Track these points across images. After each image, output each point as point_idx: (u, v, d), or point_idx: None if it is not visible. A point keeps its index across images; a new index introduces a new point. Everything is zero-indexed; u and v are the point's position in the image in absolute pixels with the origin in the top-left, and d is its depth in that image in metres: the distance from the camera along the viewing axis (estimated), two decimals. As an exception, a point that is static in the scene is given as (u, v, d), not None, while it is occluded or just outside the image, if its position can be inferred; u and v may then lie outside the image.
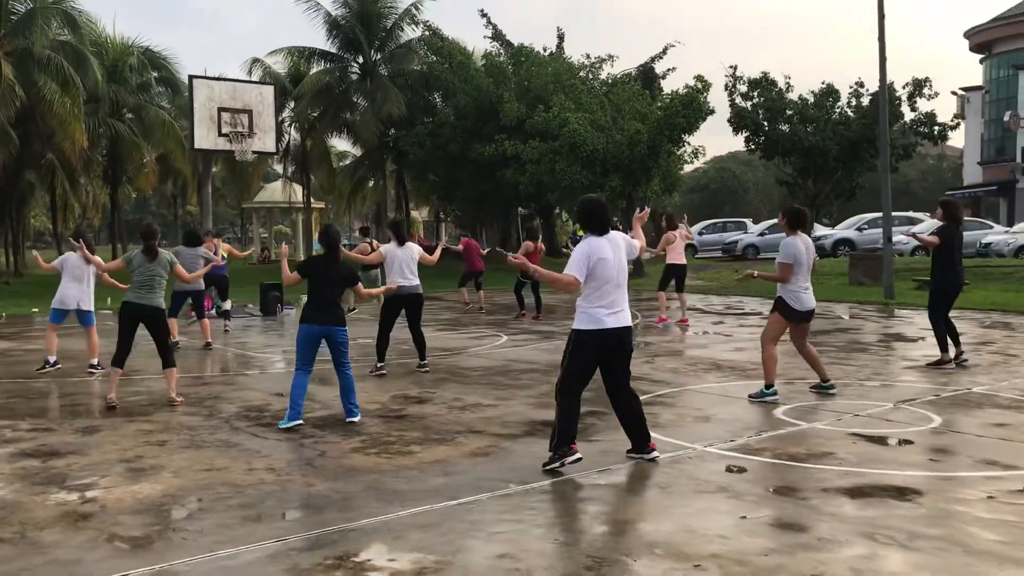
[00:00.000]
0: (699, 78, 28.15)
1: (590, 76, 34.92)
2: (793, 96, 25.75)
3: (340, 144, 41.34)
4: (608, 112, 29.50)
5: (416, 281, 10.68)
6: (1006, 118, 43.45)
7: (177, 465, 6.48)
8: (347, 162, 44.58)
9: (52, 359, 10.91)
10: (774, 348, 8.79)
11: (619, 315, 6.20)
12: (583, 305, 6.22)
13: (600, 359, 6.27)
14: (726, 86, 26.41)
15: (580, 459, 6.13)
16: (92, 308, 11.05)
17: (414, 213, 64.45)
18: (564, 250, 42.13)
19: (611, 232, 6.27)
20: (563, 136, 27.57)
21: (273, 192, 48.07)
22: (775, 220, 42.32)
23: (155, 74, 35.03)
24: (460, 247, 18.44)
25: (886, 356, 11.83)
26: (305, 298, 8.20)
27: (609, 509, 5.45)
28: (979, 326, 14.83)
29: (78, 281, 10.86)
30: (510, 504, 5.53)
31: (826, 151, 24.05)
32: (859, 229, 34.97)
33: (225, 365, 12.06)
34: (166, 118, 32.87)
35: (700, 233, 41.88)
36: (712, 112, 28.09)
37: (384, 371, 10.46)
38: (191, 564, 4.53)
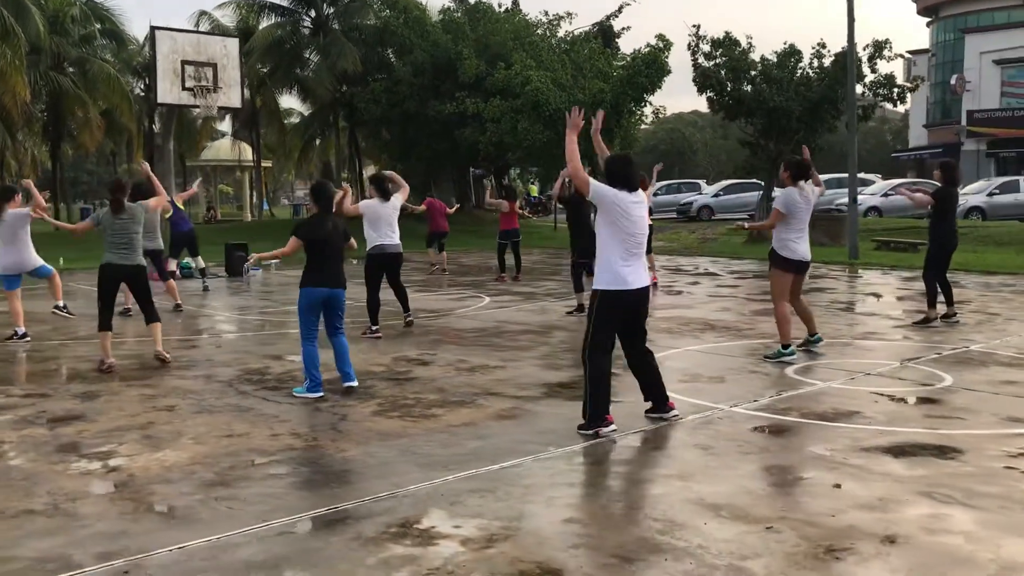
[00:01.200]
0: (660, 37, 28.06)
1: (548, 34, 34.50)
2: (755, 57, 25.74)
3: (290, 102, 40.36)
4: (569, 71, 29.24)
5: (398, 239, 10.44)
6: (952, 81, 44.15)
7: (195, 431, 6.23)
8: (294, 119, 43.61)
9: (21, 330, 10.34)
10: (785, 306, 8.76)
11: (640, 275, 6.11)
12: (606, 265, 6.10)
13: (623, 319, 6.18)
14: (689, 45, 26.24)
15: (615, 430, 6.03)
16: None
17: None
18: (520, 211, 41.94)
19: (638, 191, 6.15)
20: (525, 95, 27.25)
21: (218, 150, 46.95)
22: (730, 182, 42.78)
23: (98, 26, 33.69)
24: (423, 207, 18.02)
25: (870, 315, 11.94)
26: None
27: (657, 471, 5.37)
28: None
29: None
30: (555, 467, 5.42)
31: (789, 112, 24.12)
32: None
33: (204, 327, 11.69)
34: (111, 72, 31.70)
35: (655, 194, 41.93)
36: (669, 72, 28.03)
37: (379, 333, 10.24)
38: (247, 535, 4.33)
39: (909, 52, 50.16)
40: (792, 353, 8.62)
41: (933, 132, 48.72)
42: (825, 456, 5.54)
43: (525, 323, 11.26)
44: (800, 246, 8.70)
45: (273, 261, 19.07)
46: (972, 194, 31.86)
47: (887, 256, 21.33)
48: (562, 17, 35.29)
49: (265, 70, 35.87)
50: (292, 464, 5.53)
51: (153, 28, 17.18)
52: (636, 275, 6.07)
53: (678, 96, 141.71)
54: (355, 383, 7.35)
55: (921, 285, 11.24)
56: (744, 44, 25.73)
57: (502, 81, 28.69)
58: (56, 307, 10.39)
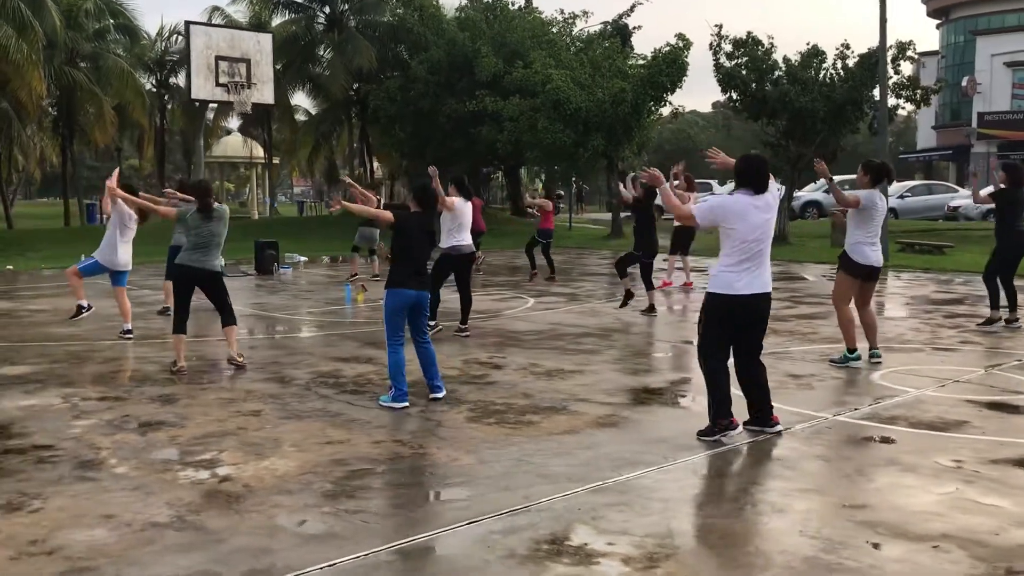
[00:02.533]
0: (680, 36, 27.88)
1: (563, 32, 34.34)
2: (777, 57, 25.55)
3: (298, 99, 40.10)
4: (587, 69, 29.06)
5: (471, 240, 10.31)
6: (963, 83, 44.07)
7: (291, 438, 6.04)
8: (300, 116, 43.31)
9: (85, 303, 10.18)
10: (848, 309, 8.61)
11: (756, 281, 5.93)
12: (718, 268, 5.96)
13: (736, 324, 6.02)
14: (710, 45, 26.05)
15: (740, 431, 5.90)
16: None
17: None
18: (529, 210, 41.79)
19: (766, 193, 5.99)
20: (546, 93, 27.05)
21: (226, 147, 46.65)
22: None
23: (111, 21, 33.37)
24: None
25: (929, 318, 11.76)
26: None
27: (790, 485, 5.19)
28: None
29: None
30: (683, 479, 5.25)
31: (814, 113, 23.94)
32: (827, 191, 35.25)
33: (252, 327, 11.47)
34: (125, 67, 31.40)
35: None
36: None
37: (440, 328, 10.07)
38: (395, 552, 4.15)
39: (919, 53, 50.12)
40: (858, 359, 8.46)
41: (942, 134, 48.64)
42: (955, 468, 5.37)
43: (580, 325, 11.07)
44: (874, 252, 8.52)
45: (301, 259, 18.98)
46: (990, 197, 31.78)
47: (915, 259, 21.20)
48: (577, 16, 35.17)
49: (278, 67, 35.57)
50: (407, 473, 5.35)
51: (188, 23, 16.93)
52: (749, 281, 5.90)
53: (685, 96, 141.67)
54: (443, 394, 7.12)
55: (964, 288, 11.10)
56: (766, 44, 25.58)
57: (520, 79, 28.49)
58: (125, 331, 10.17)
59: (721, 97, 28.55)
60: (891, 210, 32.17)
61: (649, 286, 12.02)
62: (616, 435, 6.13)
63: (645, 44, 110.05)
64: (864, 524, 4.48)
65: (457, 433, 6.16)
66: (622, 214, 30.76)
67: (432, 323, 10.21)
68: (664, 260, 15.34)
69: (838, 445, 5.91)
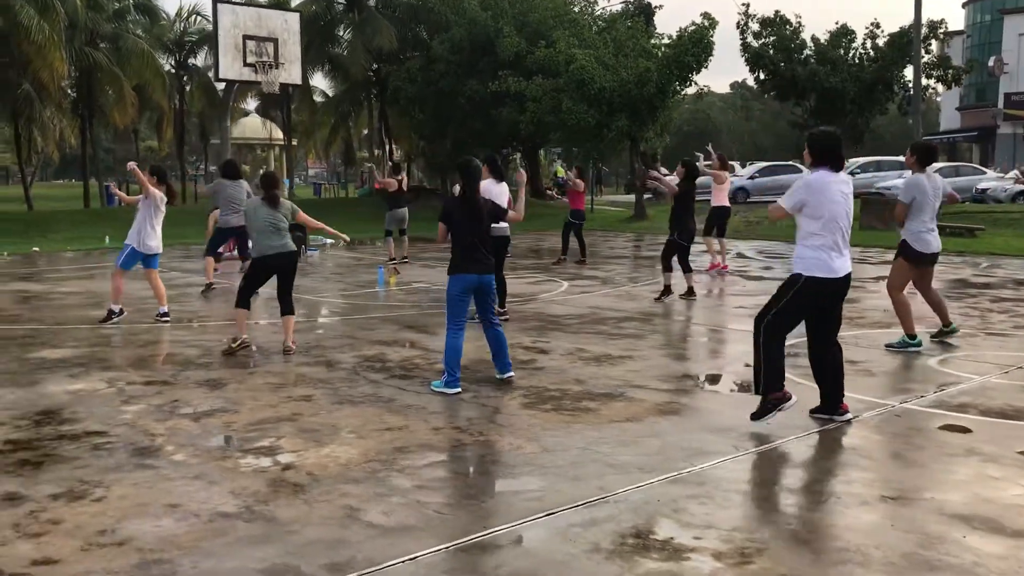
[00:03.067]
0: (706, 15, 27.52)
1: (585, 11, 33.99)
2: (805, 37, 25.27)
3: (317, 80, 39.84)
4: (610, 49, 28.75)
5: (505, 224, 10.09)
6: (990, 63, 43.47)
7: (348, 424, 5.90)
8: (317, 97, 43.06)
9: (118, 308, 9.98)
10: (904, 296, 8.44)
11: (845, 262, 5.77)
12: (809, 251, 5.77)
13: (821, 306, 5.85)
14: (737, 24, 25.79)
15: (795, 402, 5.75)
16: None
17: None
18: (548, 192, 41.53)
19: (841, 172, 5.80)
20: (570, 73, 26.77)
21: (244, 128, 46.49)
22: (765, 164, 42.18)
23: (131, 1, 33.20)
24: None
25: (975, 303, 11.53)
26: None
27: (870, 475, 5.01)
28: (1036, 273, 14.59)
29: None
30: (758, 469, 5.10)
31: (844, 93, 23.65)
32: (851, 173, 34.88)
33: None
34: (144, 47, 31.24)
35: (752, 177, 41.46)
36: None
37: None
38: (475, 544, 4.01)
39: (943, 33, 49.49)
40: (919, 344, 8.28)
41: (967, 115, 48.05)
42: (1038, 459, 5.19)
43: (619, 309, 10.90)
44: (932, 238, 8.33)
45: (329, 240, 18.82)
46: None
47: (947, 241, 20.81)
48: (598, -7, 34.76)
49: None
50: (473, 461, 5.21)
51: (215, 1, 16.74)
52: (843, 263, 5.75)
53: (703, 76, 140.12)
54: (512, 374, 7.00)
55: (1003, 272, 10.85)
56: (794, 23, 25.27)
57: (543, 59, 28.21)
58: (161, 313, 10.02)
59: (740, 77, 28.27)
60: (916, 192, 32.30)
61: (687, 269, 11.83)
62: (679, 423, 5.97)
63: (667, 24, 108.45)
64: (957, 518, 4.31)
65: (515, 420, 6.01)
66: (645, 196, 30.54)
67: (502, 311, 10.06)
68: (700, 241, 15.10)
69: (911, 434, 5.74)
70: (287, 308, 8.39)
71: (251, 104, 43.22)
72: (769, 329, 5.88)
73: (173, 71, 35.44)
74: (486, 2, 32.40)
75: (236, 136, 46.03)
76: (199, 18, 36.40)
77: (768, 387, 5.79)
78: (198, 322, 10.15)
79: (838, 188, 5.73)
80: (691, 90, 30.70)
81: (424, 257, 17.08)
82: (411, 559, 3.84)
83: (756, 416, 5.84)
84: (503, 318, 10.02)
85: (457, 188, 8.62)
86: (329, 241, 18.63)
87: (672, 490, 4.69)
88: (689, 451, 5.33)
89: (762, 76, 25.32)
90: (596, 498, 4.55)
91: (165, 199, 10.13)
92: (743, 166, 43.38)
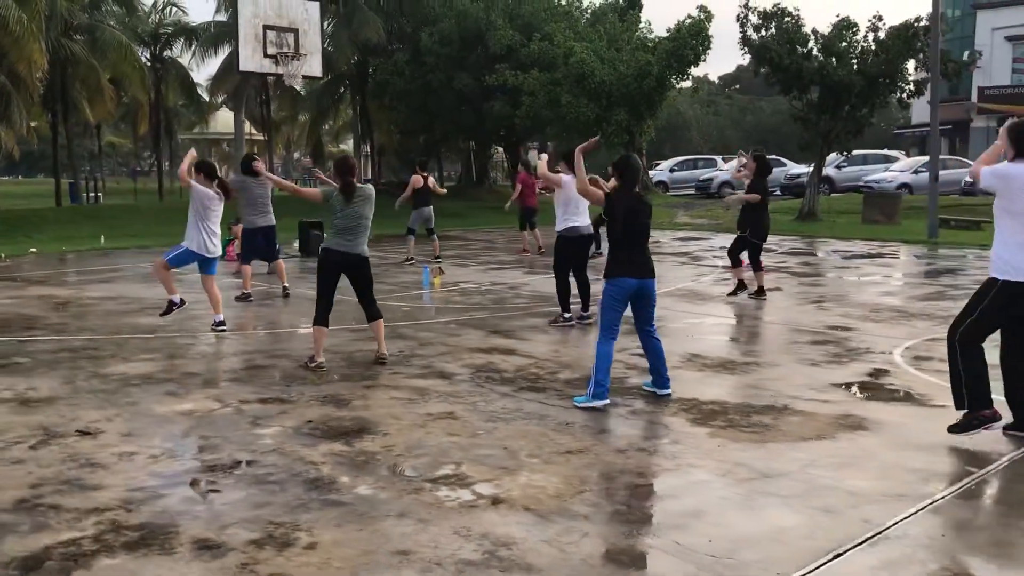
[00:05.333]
0: (702, 8, 27.25)
1: (574, 4, 33.51)
2: (806, 30, 24.97)
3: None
4: (604, 42, 28.36)
5: (588, 220, 9.60)
6: (964, 57, 43.80)
7: (520, 446, 5.35)
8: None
9: (177, 298, 9.28)
10: None
11: None
12: (1003, 246, 5.34)
13: (1015, 314, 5.43)
14: (737, 17, 25.42)
15: (1003, 423, 5.35)
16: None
17: (344, 146, 61.82)
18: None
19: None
20: (570, 66, 26.30)
21: (217, 123, 45.27)
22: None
23: (107, -10, 31.95)
24: (518, 184, 17.02)
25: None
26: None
27: None
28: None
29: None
30: (1012, 491, 4.66)
31: (851, 86, 23.41)
32: (838, 167, 34.93)
33: (354, 315, 10.71)
34: (122, 39, 30.03)
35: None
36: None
37: (572, 322, 9.39)
38: (787, 595, 3.51)
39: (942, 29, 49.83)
40: None
41: (940, 108, 48.38)
42: None
43: (695, 312, 10.45)
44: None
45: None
46: None
47: (959, 235, 20.80)
48: (588, -15, 34.34)
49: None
50: (698, 491, 4.68)
51: (236, -12, 15.97)
52: None
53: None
54: (671, 391, 6.48)
55: None
56: (794, 15, 24.99)
57: (539, 52, 27.71)
58: (217, 322, 9.32)
59: (703, 72, 27.69)
60: (905, 185, 32.36)
61: (758, 268, 11.41)
62: (876, 440, 5.52)
63: (656, 18, 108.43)
64: None
65: (699, 440, 5.51)
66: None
67: (586, 313, 9.58)
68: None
69: None
70: (373, 312, 7.74)
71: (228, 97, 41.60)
72: (963, 340, 5.45)
73: (149, 64, 34.20)
74: (476, -6, 31.82)
75: (208, 131, 44.91)
76: (175, 10, 35.31)
77: (976, 403, 5.36)
78: (259, 328, 9.49)
79: None
80: (686, 83, 30.55)
81: (445, 255, 16.44)
82: (733, 617, 3.33)
83: (958, 429, 5.42)
84: (587, 321, 9.55)
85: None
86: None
87: (941, 519, 4.23)
88: (919, 472, 4.88)
89: (763, 69, 24.89)
90: (872, 534, 4.08)
91: (216, 195, 9.38)
92: (725, 160, 43.39)
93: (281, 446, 5.39)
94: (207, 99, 37.19)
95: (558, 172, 9.58)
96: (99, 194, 36.53)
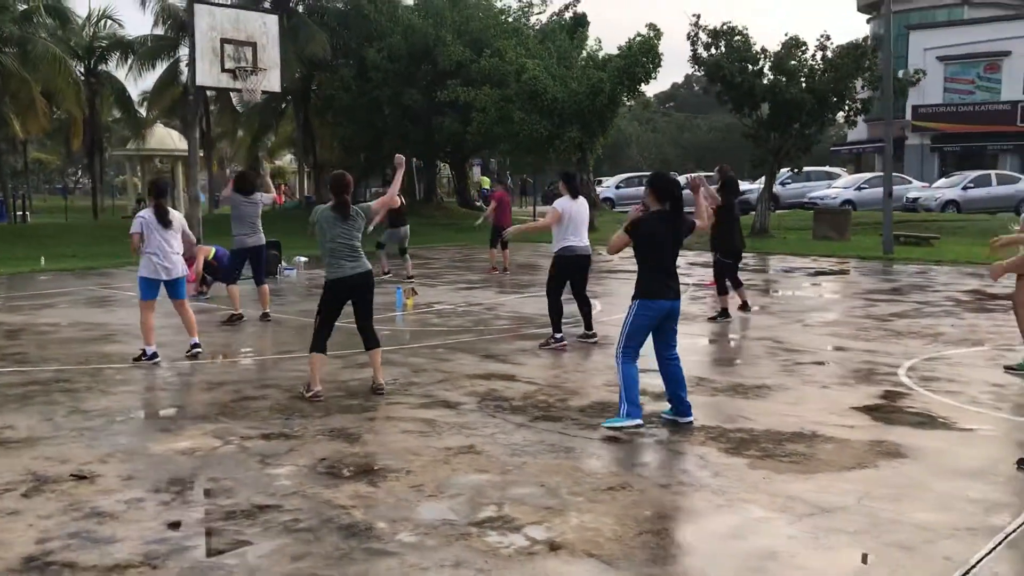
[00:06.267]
0: (651, 26, 27.39)
1: (520, 21, 33.47)
2: (756, 48, 25.23)
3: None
4: (554, 59, 28.33)
5: (587, 242, 9.39)
6: (899, 76, 44.89)
7: (557, 483, 5.05)
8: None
9: (151, 349, 8.69)
10: None
11: None
12: None
13: None
14: (688, 35, 25.61)
15: None
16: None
17: (279, 162, 60.78)
18: (477, 204, 40.76)
19: None
20: (522, 83, 26.15)
21: (152, 139, 43.96)
22: (696, 174, 42.39)
23: (40, 1, 30.78)
24: (492, 202, 16.68)
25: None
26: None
27: None
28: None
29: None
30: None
31: (802, 104, 23.70)
32: (782, 183, 35.40)
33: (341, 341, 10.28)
34: (56, 52, 28.98)
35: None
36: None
37: (565, 344, 9.13)
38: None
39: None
40: None
41: (873, 126, 49.51)
42: None
43: (691, 333, 10.27)
44: None
45: (303, 259, 17.58)
46: (948, 188, 32.38)
47: (911, 251, 21.11)
48: (534, 3, 34.36)
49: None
50: (759, 530, 4.44)
51: (192, 1, 15.34)
52: None
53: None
54: (692, 419, 6.25)
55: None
56: (744, 33, 25.25)
57: (489, 69, 27.52)
58: (193, 345, 8.84)
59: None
60: (849, 201, 32.92)
61: (736, 284, 11.32)
62: (921, 467, 5.36)
63: (601, 37, 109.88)
64: None
65: (741, 472, 5.27)
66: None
67: (590, 332, 9.36)
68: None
69: None
70: (371, 341, 7.37)
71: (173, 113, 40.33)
72: None
73: (83, 78, 33.10)
74: (424, 10, 31.54)
75: (140, 147, 43.62)
76: (110, 23, 34.29)
77: None
78: (241, 356, 9.04)
79: None
80: (632, 101, 30.65)
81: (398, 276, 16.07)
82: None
83: None
84: (592, 340, 9.33)
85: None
86: (304, 259, 17.41)
87: (1021, 554, 4.06)
88: (980, 503, 4.72)
89: (717, 87, 25.05)
90: (960, 573, 3.88)
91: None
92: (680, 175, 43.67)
93: (301, 488, 5.01)
94: (144, 114, 36.03)
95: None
96: (27, 212, 35.26)
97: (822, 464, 5.39)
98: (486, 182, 45.39)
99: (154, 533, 4.36)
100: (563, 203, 9.17)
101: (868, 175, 35.70)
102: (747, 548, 4.20)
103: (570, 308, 9.64)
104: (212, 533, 4.39)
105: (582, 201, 9.33)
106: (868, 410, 6.68)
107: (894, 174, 39.23)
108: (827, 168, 39.92)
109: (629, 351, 6.13)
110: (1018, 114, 42.41)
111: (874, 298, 13.03)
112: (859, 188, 33.35)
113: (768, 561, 4.04)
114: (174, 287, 8.72)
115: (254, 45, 15.36)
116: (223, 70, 15.06)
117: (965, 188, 31.79)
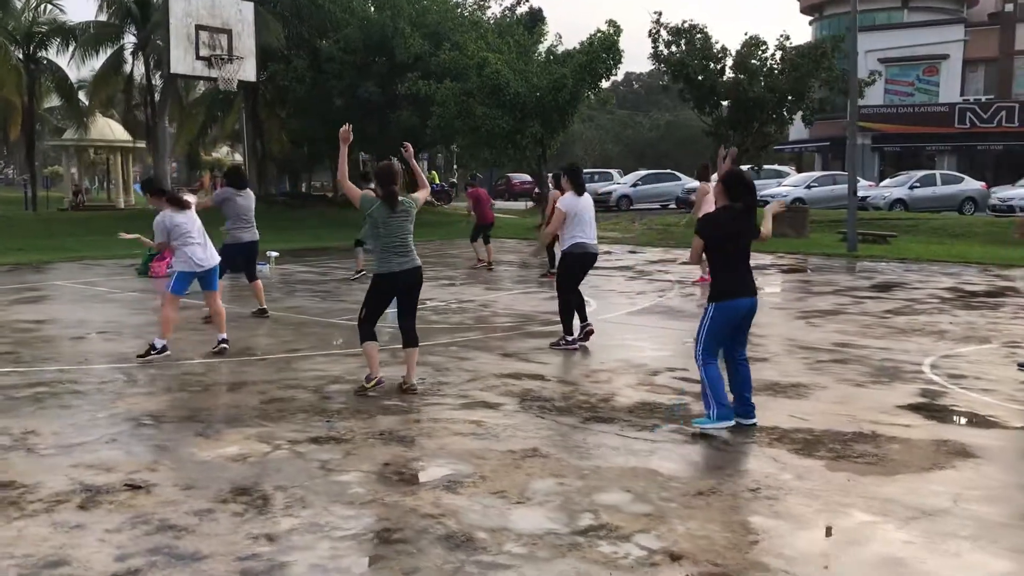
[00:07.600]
0: (611, 22, 27.36)
1: (478, 15, 33.18)
2: (716, 47, 25.43)
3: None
4: (515, 54, 28.13)
5: (595, 237, 9.21)
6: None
7: (641, 488, 4.89)
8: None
9: (161, 343, 8.34)
10: None
11: None
12: None
13: None
14: (650, 33, 25.72)
15: None
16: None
17: (216, 154, 59.64)
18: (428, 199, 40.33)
19: None
20: (484, 77, 25.89)
21: (94, 129, 42.57)
22: (646, 172, 42.66)
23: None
24: (468, 198, 16.49)
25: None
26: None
27: None
28: (981, 276, 14.88)
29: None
30: None
31: (764, 102, 23.95)
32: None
33: (347, 339, 9.96)
34: (-5, 37, 27.85)
35: (634, 185, 41.38)
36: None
37: (576, 344, 8.93)
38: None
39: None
40: None
41: (815, 126, 50.43)
42: None
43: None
44: None
45: (274, 254, 17.07)
46: (895, 187, 33.04)
47: (872, 248, 21.42)
48: (485, -4, 34.07)
49: (160, 41, 32.61)
50: (880, 540, 4.33)
51: (167, -13, 14.79)
52: None
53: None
54: (756, 420, 6.13)
55: (985, 277, 10.90)
56: (704, 32, 25.43)
57: (450, 62, 27.20)
58: (221, 341, 8.61)
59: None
60: (799, 199, 33.40)
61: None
62: (997, 467, 5.33)
63: (561, 29, 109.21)
64: None
65: (824, 475, 5.16)
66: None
67: (587, 323, 9.16)
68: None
69: None
70: (409, 339, 7.14)
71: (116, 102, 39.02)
72: None
73: (22, 64, 31.81)
74: (380, 1, 31.06)
75: (80, 137, 42.26)
76: (50, 7, 33.01)
77: None
78: (253, 355, 8.68)
79: None
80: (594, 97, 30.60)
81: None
82: None
83: None
84: (587, 330, 9.14)
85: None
86: (275, 253, 16.93)
87: None
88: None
89: (680, 86, 25.21)
90: (1096, 578, 3.82)
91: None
92: (621, 174, 43.91)
93: (378, 496, 4.75)
94: (86, 103, 34.83)
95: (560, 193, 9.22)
96: (-46, 205, 33.85)
97: (899, 465, 5.32)
98: (435, 177, 45.03)
99: (242, 548, 4.07)
100: (568, 201, 8.96)
101: (816, 174, 36.31)
102: (870, 555, 4.08)
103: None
104: (304, 547, 4.11)
105: (587, 197, 9.14)
106: (915, 409, 6.66)
107: (839, 172, 40.09)
108: (776, 167, 40.46)
109: (711, 354, 6.00)
110: (955, 116, 43.59)
111: (858, 296, 13.13)
112: (808, 187, 33.82)
113: (899, 568, 3.93)
114: (208, 278, 8.57)
115: (229, 32, 14.90)
116: (198, 57, 14.53)
117: (912, 187, 32.47)
